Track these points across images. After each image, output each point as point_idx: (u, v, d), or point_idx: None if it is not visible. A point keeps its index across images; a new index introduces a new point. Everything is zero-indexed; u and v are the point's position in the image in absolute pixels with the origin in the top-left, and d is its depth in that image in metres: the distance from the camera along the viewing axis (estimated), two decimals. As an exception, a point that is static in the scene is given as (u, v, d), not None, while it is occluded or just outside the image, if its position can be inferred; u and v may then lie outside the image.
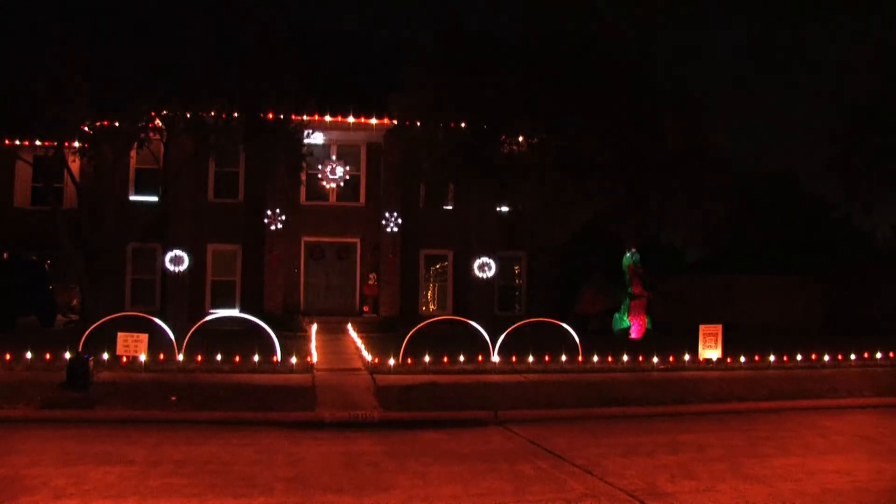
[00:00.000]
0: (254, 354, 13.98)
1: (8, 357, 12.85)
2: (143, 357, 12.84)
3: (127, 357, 12.83)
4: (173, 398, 9.93)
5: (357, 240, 24.34)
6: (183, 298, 22.41)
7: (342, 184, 23.55)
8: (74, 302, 22.60)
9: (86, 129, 18.72)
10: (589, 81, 19.69)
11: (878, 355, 16.17)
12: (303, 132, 20.20)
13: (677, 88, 21.57)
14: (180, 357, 13.39)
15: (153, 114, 18.31)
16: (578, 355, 14.85)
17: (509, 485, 6.72)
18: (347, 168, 23.37)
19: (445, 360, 14.33)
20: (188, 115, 18.40)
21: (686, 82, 23.66)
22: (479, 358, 14.64)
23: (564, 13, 20.77)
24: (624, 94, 19.77)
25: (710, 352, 15.13)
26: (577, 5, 20.75)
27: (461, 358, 14.55)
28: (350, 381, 12.31)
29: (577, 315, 21.71)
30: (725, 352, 15.15)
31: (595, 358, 14.86)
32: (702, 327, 15.23)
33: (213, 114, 18.37)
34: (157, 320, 14.59)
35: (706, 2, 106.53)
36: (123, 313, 19.68)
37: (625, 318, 21.90)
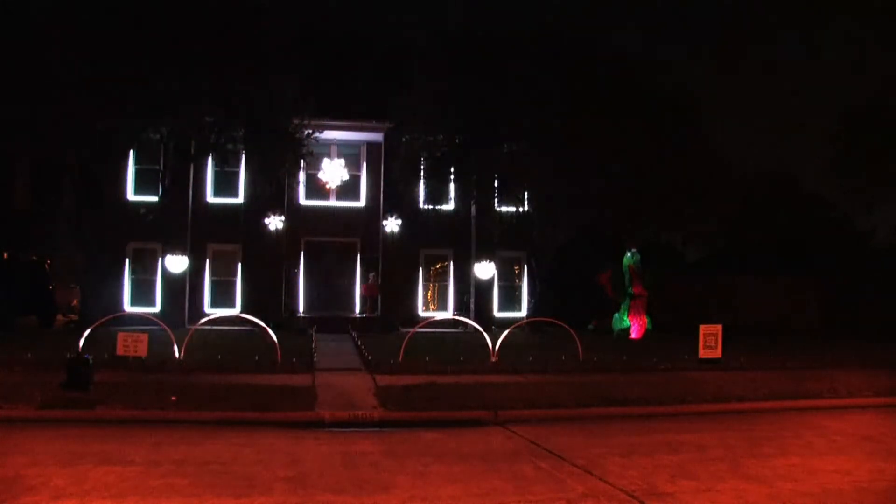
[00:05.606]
0: (254, 354, 13.97)
1: (8, 357, 12.84)
2: (143, 357, 12.83)
3: (127, 357, 12.81)
4: (173, 398, 9.91)
5: (357, 240, 24.34)
6: (183, 298, 22.43)
7: (342, 184, 23.55)
8: (74, 302, 22.62)
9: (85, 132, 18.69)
10: (591, 86, 19.67)
11: (878, 355, 16.15)
12: (303, 132, 20.19)
13: (680, 94, 21.53)
14: (180, 357, 13.38)
15: (153, 116, 18.29)
16: (578, 355, 14.84)
17: (509, 485, 6.72)
18: (347, 168, 23.38)
19: (445, 359, 14.30)
20: (188, 117, 18.36)
21: (687, 87, 23.40)
22: (479, 358, 14.61)
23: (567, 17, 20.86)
24: (628, 99, 19.71)
25: (710, 352, 15.13)
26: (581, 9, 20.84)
27: (461, 358, 14.52)
28: (350, 381, 12.31)
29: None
30: (725, 352, 15.14)
31: (595, 358, 14.85)
32: (702, 327, 15.24)
33: (213, 115, 18.35)
34: (157, 320, 14.58)
35: (707, 2, 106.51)
36: (123, 313, 19.79)
37: (625, 318, 21.91)
